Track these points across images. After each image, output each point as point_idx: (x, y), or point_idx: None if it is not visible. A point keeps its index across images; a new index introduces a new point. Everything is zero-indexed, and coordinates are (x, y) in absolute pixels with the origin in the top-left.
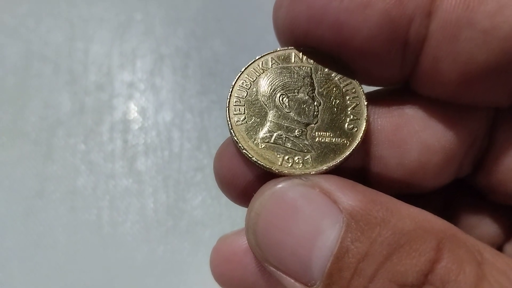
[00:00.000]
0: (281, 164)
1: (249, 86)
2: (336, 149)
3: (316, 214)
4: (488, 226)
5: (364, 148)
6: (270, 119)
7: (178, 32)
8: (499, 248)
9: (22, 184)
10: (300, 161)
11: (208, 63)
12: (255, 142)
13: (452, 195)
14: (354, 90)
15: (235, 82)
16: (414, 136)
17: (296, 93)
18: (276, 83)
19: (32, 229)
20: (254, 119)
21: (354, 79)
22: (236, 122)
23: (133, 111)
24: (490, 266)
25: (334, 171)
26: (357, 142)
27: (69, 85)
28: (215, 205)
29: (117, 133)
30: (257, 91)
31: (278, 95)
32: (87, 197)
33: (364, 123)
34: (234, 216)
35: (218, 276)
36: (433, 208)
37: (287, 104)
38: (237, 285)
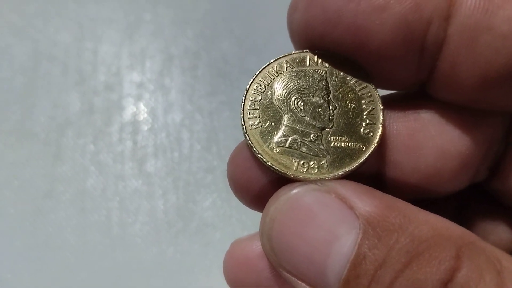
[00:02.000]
0: (296, 169)
1: (263, 89)
2: (352, 154)
3: (332, 220)
4: (503, 232)
5: (380, 153)
6: (285, 123)
7: (187, 32)
8: None
9: (31, 185)
10: (316, 166)
11: (217, 64)
12: (270, 146)
13: (466, 200)
14: (369, 94)
15: (250, 86)
16: (430, 141)
17: (311, 97)
18: (291, 87)
19: (41, 230)
20: (269, 123)
21: (369, 83)
22: (251, 126)
23: (143, 112)
24: (510, 274)
25: (350, 176)
26: (373, 147)
27: (78, 85)
28: (225, 207)
29: (127, 134)
30: (271, 95)
31: (293, 98)
32: (96, 198)
33: (380, 128)
34: (245, 218)
35: (231, 281)
36: (447, 213)
37: (302, 108)
38: None
